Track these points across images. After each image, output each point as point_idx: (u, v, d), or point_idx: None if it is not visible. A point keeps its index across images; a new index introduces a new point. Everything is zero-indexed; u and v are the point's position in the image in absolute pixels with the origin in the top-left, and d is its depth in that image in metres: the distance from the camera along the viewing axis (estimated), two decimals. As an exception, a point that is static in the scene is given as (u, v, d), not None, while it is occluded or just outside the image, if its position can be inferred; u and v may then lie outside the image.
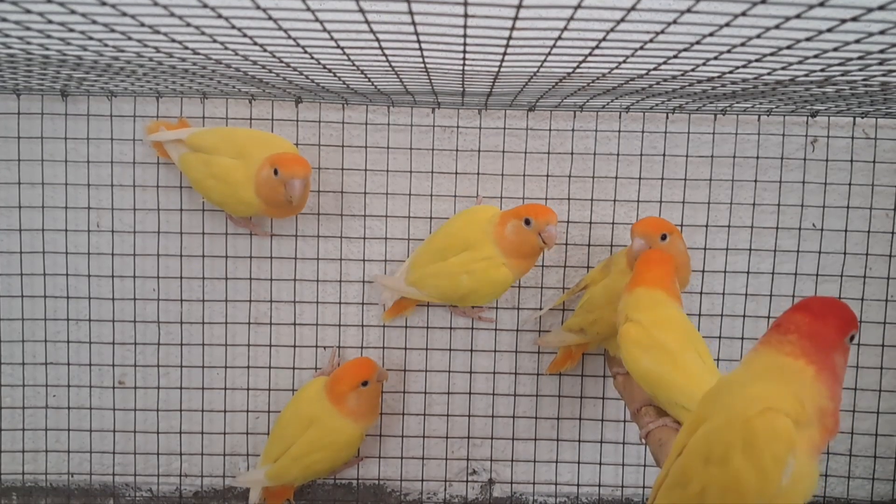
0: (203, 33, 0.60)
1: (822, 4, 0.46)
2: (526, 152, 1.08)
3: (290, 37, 0.62)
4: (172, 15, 0.55)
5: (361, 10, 0.51)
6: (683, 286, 0.98)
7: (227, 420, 1.12)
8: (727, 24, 0.52)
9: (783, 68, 0.68)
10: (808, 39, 0.56)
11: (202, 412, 1.12)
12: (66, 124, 1.06)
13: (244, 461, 1.13)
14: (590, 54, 0.65)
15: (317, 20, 0.55)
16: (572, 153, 1.08)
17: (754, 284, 1.10)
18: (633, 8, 0.49)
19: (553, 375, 1.12)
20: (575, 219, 1.09)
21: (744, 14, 0.49)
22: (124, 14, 0.54)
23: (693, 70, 0.71)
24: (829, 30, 0.53)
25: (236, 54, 0.70)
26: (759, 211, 1.09)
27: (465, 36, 0.58)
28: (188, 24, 0.57)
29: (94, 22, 0.57)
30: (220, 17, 0.54)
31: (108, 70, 0.81)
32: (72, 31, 0.61)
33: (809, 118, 1.06)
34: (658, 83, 0.80)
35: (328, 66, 0.76)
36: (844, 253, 1.09)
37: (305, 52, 0.68)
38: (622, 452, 1.13)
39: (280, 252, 1.09)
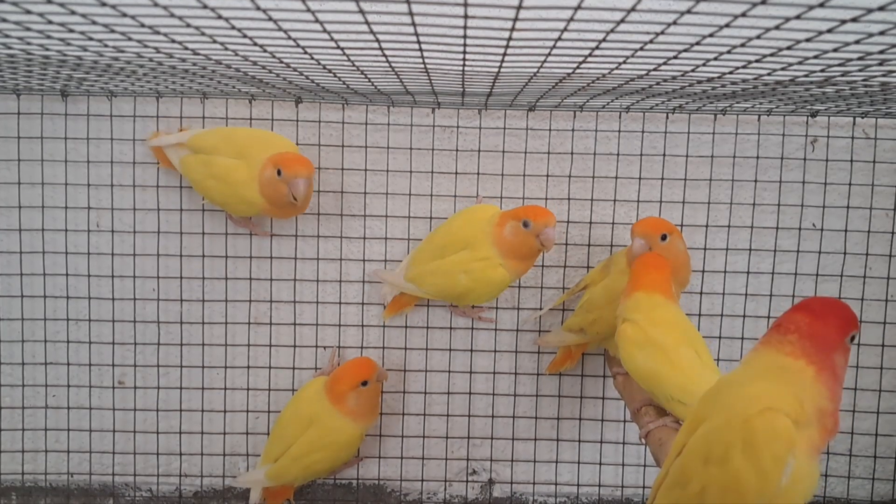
0: (203, 34, 0.60)
1: (822, 5, 0.46)
2: (526, 152, 1.08)
3: (290, 37, 0.62)
4: (172, 16, 0.55)
5: (361, 11, 0.51)
6: (683, 286, 0.98)
7: (227, 420, 1.12)
8: (727, 25, 0.52)
9: (783, 69, 0.68)
10: (808, 40, 0.56)
11: (202, 412, 1.12)
12: (66, 124, 1.06)
13: (244, 461, 1.13)
14: (590, 55, 0.65)
15: (317, 21, 0.55)
16: (572, 153, 1.08)
17: (754, 284, 1.10)
18: (633, 9, 0.49)
19: (553, 375, 1.12)
20: (575, 219, 1.09)
21: (744, 15, 0.49)
22: (124, 15, 0.54)
23: (693, 70, 0.71)
24: (829, 30, 0.53)
25: (236, 55, 0.70)
26: (758, 211, 1.09)
27: (465, 36, 0.58)
28: (188, 25, 0.57)
29: (94, 22, 0.57)
30: (220, 17, 0.54)
31: (108, 70, 0.81)
32: (72, 31, 0.61)
33: (809, 118, 1.06)
34: (658, 83, 0.80)
35: (328, 67, 0.76)
36: (844, 253, 1.09)
37: (305, 52, 0.68)
38: (622, 452, 1.13)
39: (280, 252, 1.09)
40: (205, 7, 0.51)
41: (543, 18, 0.53)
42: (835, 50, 0.59)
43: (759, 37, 0.55)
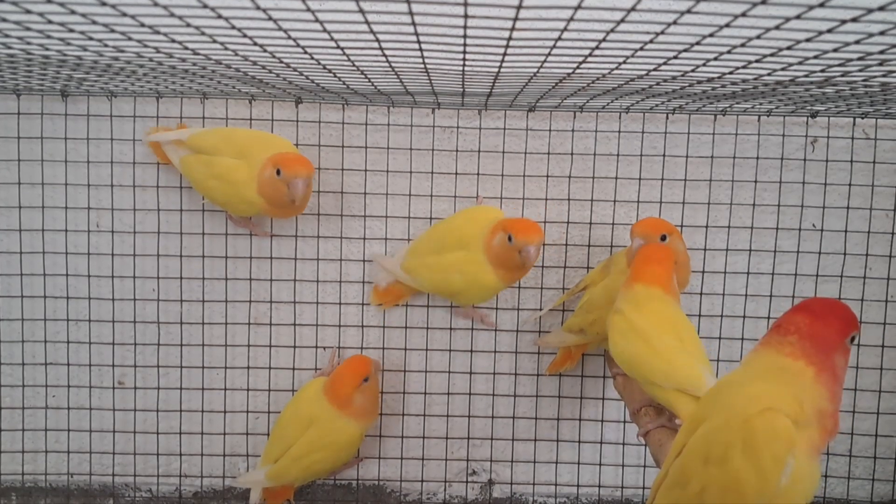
0: (203, 34, 0.60)
1: (822, 5, 0.46)
2: (526, 153, 1.08)
3: (290, 37, 0.62)
4: (172, 15, 0.55)
5: (361, 11, 0.51)
6: (683, 287, 0.98)
7: (227, 420, 1.12)
8: (727, 25, 0.52)
9: (783, 69, 0.68)
10: (808, 40, 0.56)
11: (202, 413, 1.12)
12: (66, 124, 1.06)
13: (244, 461, 1.13)
14: (590, 55, 0.65)
15: (317, 20, 0.55)
16: (572, 153, 1.08)
17: (754, 285, 1.10)
18: (632, 9, 0.49)
19: (553, 376, 1.12)
20: (575, 219, 1.09)
21: (744, 15, 0.49)
22: (124, 14, 0.54)
23: (693, 71, 0.71)
24: (830, 30, 0.53)
25: (236, 55, 0.70)
26: (758, 211, 1.09)
27: (465, 37, 0.58)
28: (188, 25, 0.57)
29: (94, 22, 0.57)
30: (220, 17, 0.54)
31: (108, 70, 0.81)
32: (72, 31, 0.61)
33: (809, 118, 1.06)
34: (658, 84, 0.80)
35: (328, 67, 0.76)
36: (844, 253, 1.09)
37: (305, 52, 0.68)
38: (622, 453, 1.13)
39: (280, 252, 1.09)
40: (205, 7, 0.51)
41: (543, 18, 0.53)
42: (835, 50, 0.59)
43: (759, 37, 0.55)
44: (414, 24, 0.54)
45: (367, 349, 1.11)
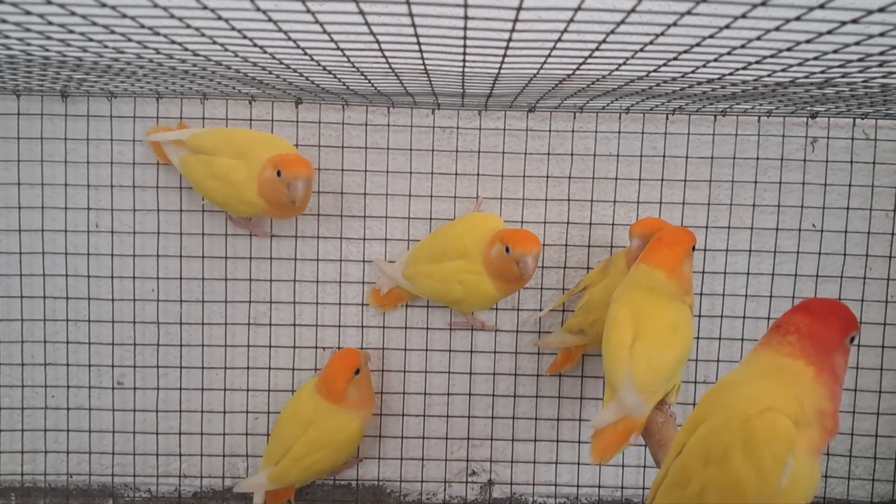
0: (203, 35, 0.60)
1: (822, 6, 0.46)
2: (526, 153, 1.08)
3: (289, 38, 0.62)
4: (172, 17, 0.55)
5: (361, 12, 0.51)
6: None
7: (227, 421, 1.12)
8: (727, 27, 0.52)
9: (783, 70, 0.68)
10: (808, 41, 0.56)
11: (201, 413, 1.12)
12: (66, 125, 1.06)
13: (243, 462, 1.13)
14: (590, 56, 0.65)
15: (316, 22, 0.55)
16: (572, 154, 1.08)
17: (754, 285, 1.10)
18: (633, 10, 0.49)
19: (553, 376, 1.12)
20: (575, 220, 1.09)
21: (744, 16, 0.49)
22: (124, 16, 0.54)
23: (693, 72, 0.71)
24: (830, 32, 0.53)
25: (236, 56, 0.70)
26: (758, 212, 1.09)
27: (465, 38, 0.58)
28: (188, 26, 0.57)
29: (94, 23, 0.57)
30: (219, 18, 0.54)
31: (108, 71, 0.81)
32: (72, 32, 0.61)
33: (809, 119, 1.06)
34: (658, 85, 0.80)
35: (328, 68, 0.76)
36: (844, 254, 1.09)
37: (305, 53, 0.68)
38: (622, 453, 1.13)
39: (280, 253, 1.09)
40: (205, 8, 0.51)
41: (543, 19, 0.53)
42: (835, 51, 0.59)
43: (759, 38, 0.55)
44: (414, 24, 0.54)
45: (367, 349, 1.11)
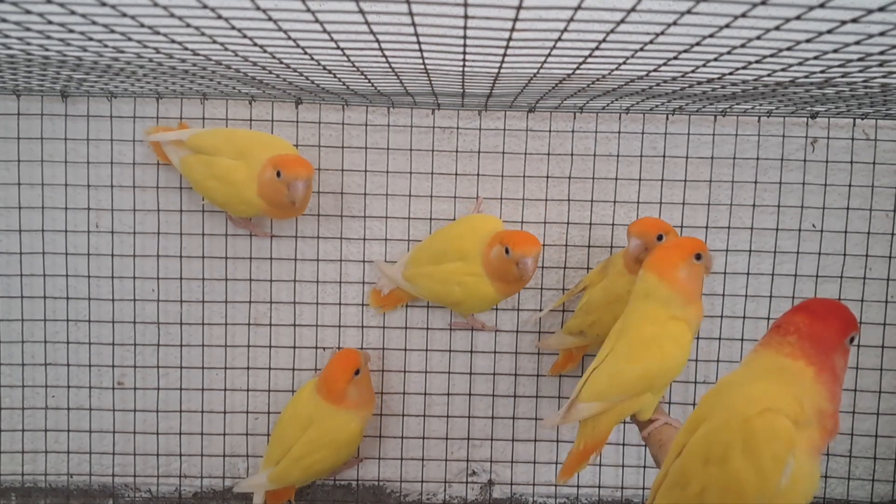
0: (203, 34, 0.60)
1: (822, 6, 0.46)
2: (526, 153, 1.08)
3: (290, 38, 0.62)
4: (172, 16, 0.55)
5: (361, 11, 0.51)
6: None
7: (227, 421, 1.12)
8: (727, 26, 0.52)
9: (783, 70, 0.68)
10: (808, 41, 0.56)
11: (202, 413, 1.12)
12: (66, 125, 1.06)
13: (243, 462, 1.13)
14: (590, 55, 0.65)
15: (317, 21, 0.55)
16: (572, 154, 1.08)
17: (754, 285, 1.10)
18: (633, 9, 0.49)
19: (553, 377, 1.12)
20: (575, 220, 1.09)
21: (744, 15, 0.49)
22: (124, 15, 0.54)
23: (693, 71, 0.71)
24: (830, 31, 0.53)
25: (236, 55, 0.70)
26: (758, 212, 1.09)
27: (465, 37, 0.58)
28: (188, 25, 0.57)
29: (94, 23, 0.57)
30: (219, 17, 0.54)
31: (108, 71, 0.81)
32: (72, 31, 0.61)
33: (809, 119, 1.06)
34: (658, 84, 0.80)
35: (328, 68, 0.76)
36: (844, 254, 1.09)
37: (305, 53, 0.68)
38: (622, 453, 1.13)
39: (280, 253, 1.09)
40: (205, 7, 0.51)
41: (543, 19, 0.53)
42: (835, 51, 0.59)
43: (759, 38, 0.55)
44: (414, 24, 0.54)
45: (367, 350, 1.11)
